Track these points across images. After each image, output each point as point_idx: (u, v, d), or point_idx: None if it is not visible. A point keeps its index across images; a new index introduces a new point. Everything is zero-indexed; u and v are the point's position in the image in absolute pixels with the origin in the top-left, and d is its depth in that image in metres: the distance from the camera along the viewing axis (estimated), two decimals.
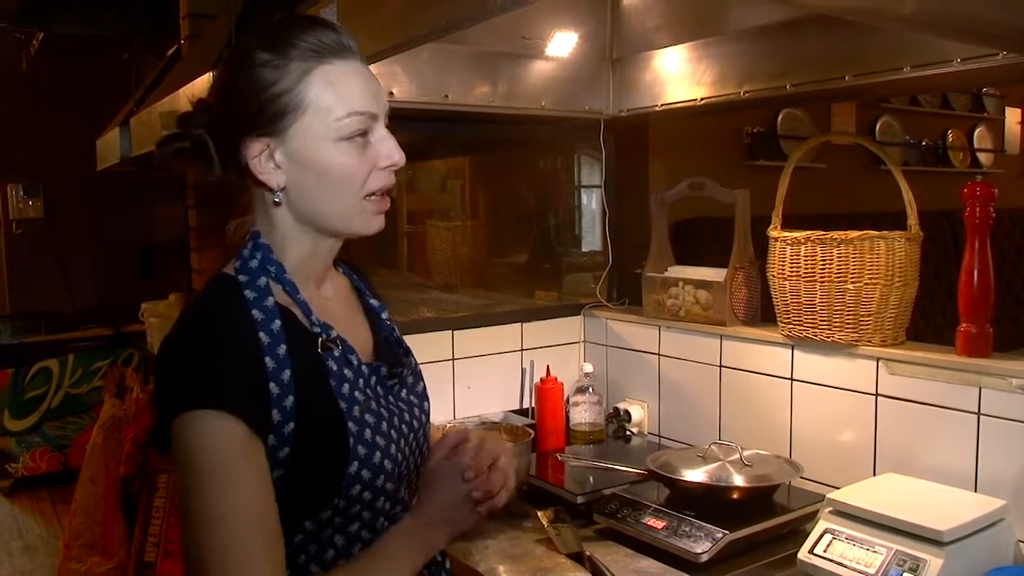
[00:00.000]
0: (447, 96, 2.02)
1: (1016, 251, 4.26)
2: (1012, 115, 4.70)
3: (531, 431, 1.94)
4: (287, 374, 1.05)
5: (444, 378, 2.24)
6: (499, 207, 2.83)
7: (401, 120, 2.15)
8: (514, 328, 2.37)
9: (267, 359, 1.04)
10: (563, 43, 2.15)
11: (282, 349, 1.06)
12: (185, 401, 1.00)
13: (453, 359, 2.26)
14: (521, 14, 2.07)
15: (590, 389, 2.26)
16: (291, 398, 1.04)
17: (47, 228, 5.77)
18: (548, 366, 2.26)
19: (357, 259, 2.16)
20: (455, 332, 2.27)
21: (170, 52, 3.90)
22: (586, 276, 2.66)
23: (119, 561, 3.07)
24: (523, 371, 2.37)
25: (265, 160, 1.10)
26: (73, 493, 3.39)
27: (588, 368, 2.31)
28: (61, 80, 5.61)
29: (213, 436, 1.00)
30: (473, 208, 2.81)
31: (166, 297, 4.12)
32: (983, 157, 4.56)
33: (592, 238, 2.72)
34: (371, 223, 1.15)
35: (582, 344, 2.49)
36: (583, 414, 2.25)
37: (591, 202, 2.72)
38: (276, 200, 1.12)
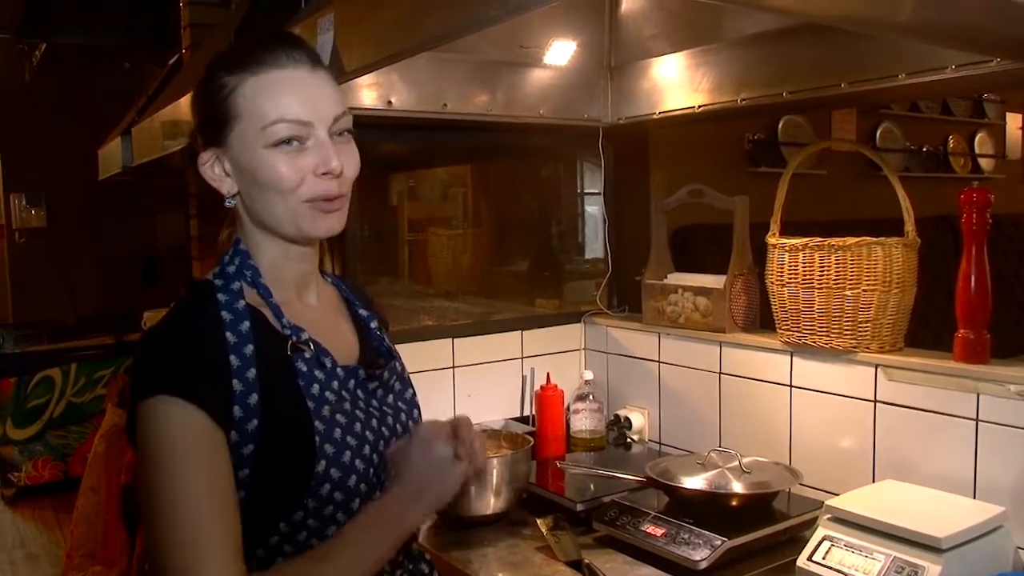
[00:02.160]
0: (445, 105, 2.02)
1: (1018, 256, 4.26)
2: (1013, 120, 4.69)
3: (530, 438, 1.94)
4: (252, 372, 1.08)
5: (444, 386, 2.25)
6: (499, 215, 2.83)
7: (400, 129, 2.20)
8: (514, 336, 2.38)
9: (232, 357, 1.08)
10: (561, 51, 2.15)
11: (248, 349, 1.10)
12: (149, 388, 1.04)
13: (453, 367, 2.27)
14: (519, 23, 2.08)
15: (590, 396, 2.26)
16: (255, 396, 1.08)
17: (50, 237, 5.80)
18: (548, 373, 2.26)
19: (359, 266, 2.19)
20: (455, 340, 2.27)
21: (172, 61, 3.92)
22: (586, 283, 2.66)
23: (121, 570, 3.07)
24: (523, 379, 2.37)
25: (216, 169, 1.17)
26: (75, 502, 3.39)
27: (588, 375, 2.31)
28: (64, 90, 5.64)
29: (173, 422, 1.03)
30: (474, 216, 2.82)
31: (168, 306, 4.11)
32: (984, 162, 4.56)
33: (592, 246, 2.72)
34: (317, 226, 1.16)
35: (582, 351, 2.49)
36: (583, 421, 2.26)
37: (591, 210, 2.73)
38: (227, 204, 1.19)
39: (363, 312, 1.34)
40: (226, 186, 1.17)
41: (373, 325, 1.33)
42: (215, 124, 1.14)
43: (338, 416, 1.14)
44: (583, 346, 2.49)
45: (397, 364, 1.32)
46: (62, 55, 5.28)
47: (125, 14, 4.93)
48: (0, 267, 5.83)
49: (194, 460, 1.03)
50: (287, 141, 1.12)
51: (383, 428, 1.21)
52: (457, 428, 1.20)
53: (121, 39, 5.07)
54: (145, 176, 3.56)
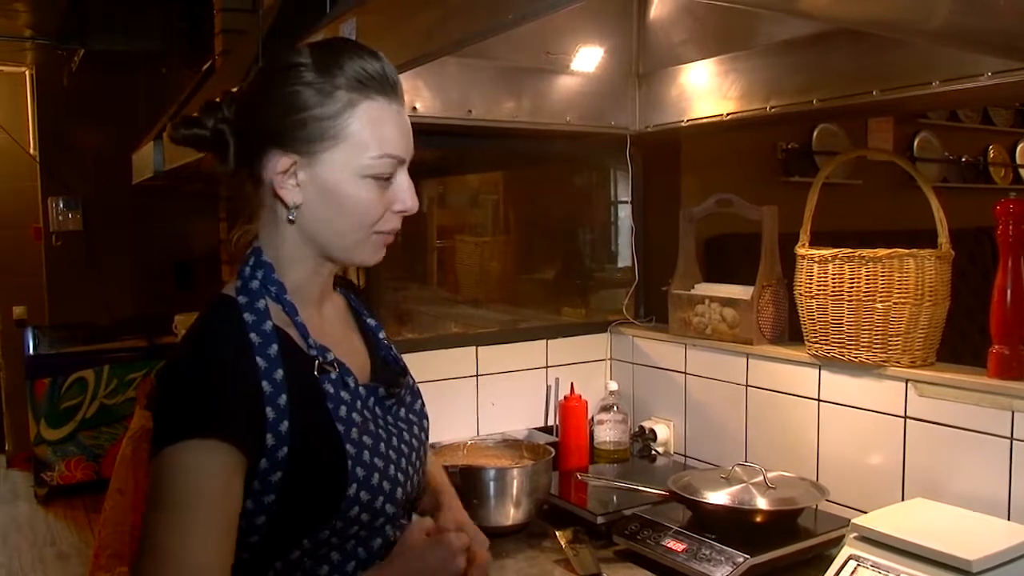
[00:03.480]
0: (471, 111, 2.01)
1: None
2: None
3: (552, 449, 1.91)
4: (283, 399, 1.05)
5: (468, 394, 2.23)
6: (527, 223, 2.82)
7: (424, 135, 2.17)
8: (539, 345, 2.35)
9: (264, 383, 1.04)
10: (588, 58, 2.13)
11: (279, 374, 1.06)
12: (176, 432, 1.00)
13: (477, 375, 2.25)
14: (545, 29, 2.07)
15: (615, 407, 2.24)
16: (286, 423, 1.04)
17: (86, 241, 5.87)
18: (573, 383, 2.24)
19: (384, 273, 2.18)
20: (479, 348, 2.25)
21: (204, 67, 3.96)
22: (614, 293, 2.63)
23: None
24: (548, 388, 2.34)
25: (288, 176, 1.10)
26: (103, 503, 3.42)
27: (613, 386, 2.28)
28: (101, 95, 5.71)
29: (193, 472, 0.99)
30: (502, 223, 2.80)
31: (198, 310, 4.15)
32: None
33: (620, 254, 2.70)
34: (372, 258, 1.16)
35: (608, 361, 2.46)
36: (607, 432, 2.23)
37: (619, 218, 2.70)
38: (290, 218, 1.12)
39: (371, 322, 1.32)
40: (292, 196, 1.11)
41: (381, 335, 1.31)
42: (307, 135, 1.08)
43: (365, 438, 1.12)
44: (609, 356, 2.46)
45: (409, 378, 1.30)
46: (100, 60, 5.35)
47: (162, 20, 4.99)
48: (37, 270, 5.92)
49: (224, 508, 1.00)
50: (386, 176, 1.11)
51: (402, 445, 1.19)
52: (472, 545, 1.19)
53: (158, 44, 5.13)
54: (177, 180, 3.59)
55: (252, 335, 1.07)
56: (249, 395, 1.03)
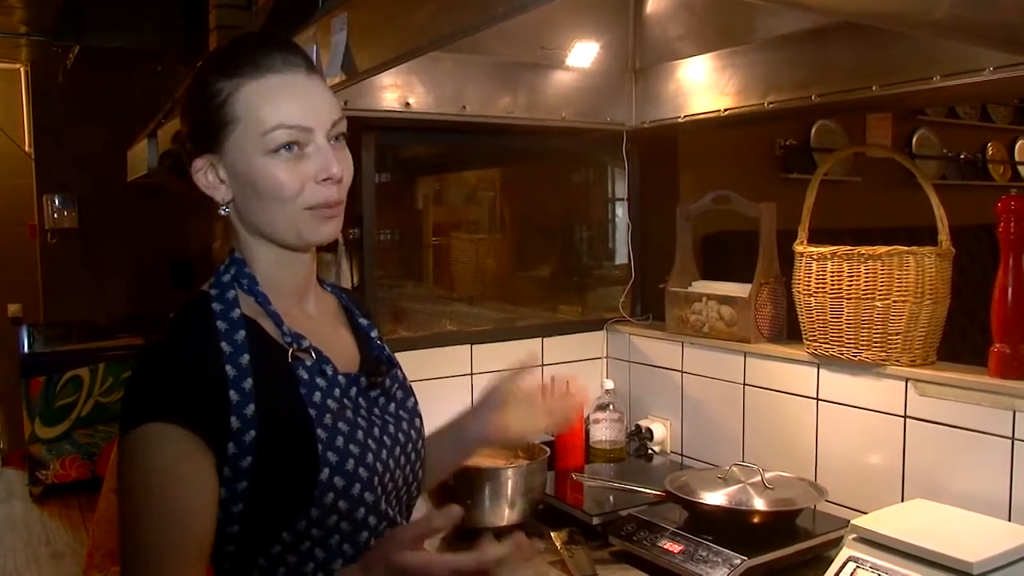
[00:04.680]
0: (465, 107, 1.99)
1: None
2: None
3: (547, 449, 1.89)
4: (248, 383, 1.06)
5: (462, 393, 2.20)
6: (523, 220, 2.79)
7: (420, 131, 2.17)
8: (534, 343, 2.33)
9: (228, 367, 1.06)
10: (584, 53, 2.11)
11: (244, 358, 1.07)
12: (137, 416, 1.02)
13: (471, 374, 2.22)
14: (540, 23, 2.04)
15: (611, 406, 2.22)
16: (252, 407, 1.05)
17: (81, 238, 5.85)
18: (568, 382, 2.21)
19: (377, 271, 2.15)
20: (474, 346, 2.23)
21: (199, 64, 3.92)
22: (610, 290, 2.61)
23: None
24: (543, 387, 2.31)
25: (210, 176, 1.13)
26: (97, 502, 3.40)
27: (609, 385, 2.26)
28: (96, 92, 5.68)
29: (156, 452, 1.01)
30: (497, 221, 2.78)
31: None
32: None
33: (616, 252, 2.67)
34: (318, 232, 1.14)
35: (604, 360, 2.44)
36: (603, 431, 2.21)
37: (615, 215, 2.68)
38: (222, 212, 1.15)
39: (363, 321, 1.31)
40: (220, 193, 1.13)
41: (374, 334, 1.30)
42: (210, 130, 1.11)
43: (340, 424, 1.12)
44: (605, 354, 2.44)
45: (399, 372, 1.29)
46: (96, 57, 5.31)
47: (158, 17, 4.95)
48: (32, 267, 5.89)
49: (173, 493, 1.02)
50: (287, 147, 1.09)
51: (385, 437, 1.18)
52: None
53: (154, 42, 5.09)
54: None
55: (219, 323, 1.09)
56: (211, 379, 1.04)
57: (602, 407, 2.22)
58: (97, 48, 5.13)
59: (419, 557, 0.99)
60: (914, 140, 4.00)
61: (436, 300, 2.58)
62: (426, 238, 2.65)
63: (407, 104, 1.89)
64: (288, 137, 1.09)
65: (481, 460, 1.88)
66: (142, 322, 5.32)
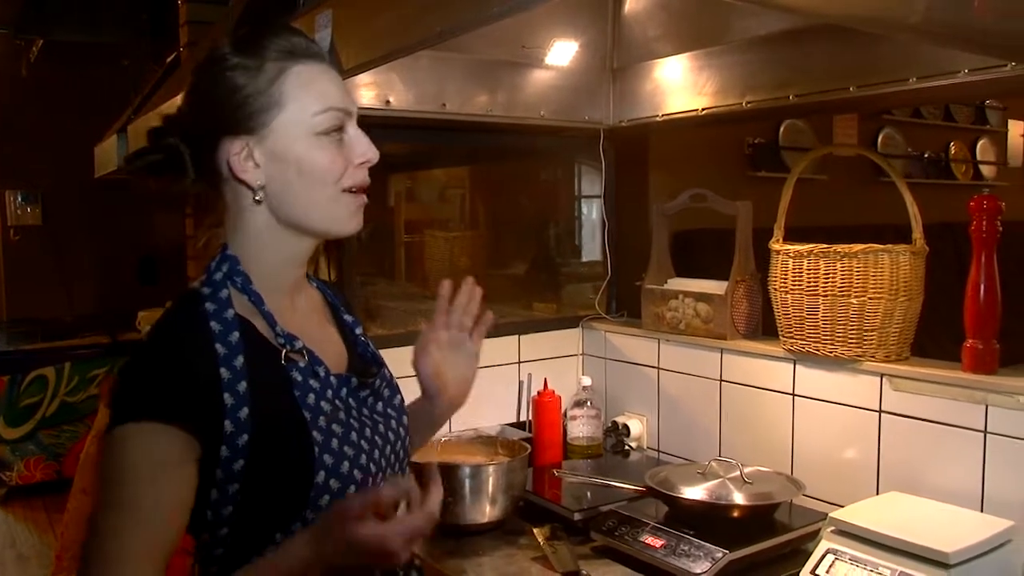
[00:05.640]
0: (445, 105, 1.99)
1: (1016, 263, 4.22)
2: (1015, 127, 4.66)
3: (528, 446, 1.90)
4: (243, 385, 1.05)
5: None
6: (498, 218, 2.80)
7: (398, 129, 2.16)
8: (511, 340, 2.34)
9: (222, 369, 1.04)
10: (563, 52, 2.12)
11: (239, 360, 1.06)
12: (125, 414, 1.01)
13: None
14: (520, 22, 2.05)
15: (588, 403, 2.23)
16: (246, 409, 1.04)
17: (46, 235, 5.75)
18: (546, 379, 2.23)
19: (353, 269, 2.15)
20: None
21: (169, 59, 3.89)
22: (585, 288, 2.63)
23: None
24: (520, 384, 2.33)
25: (244, 159, 1.11)
26: (66, 503, 3.35)
27: (586, 381, 2.27)
28: (61, 86, 5.58)
29: (143, 447, 1.00)
30: (472, 218, 2.78)
31: (164, 305, 4.08)
32: (986, 170, 4.53)
33: (591, 249, 2.69)
34: (350, 221, 1.15)
35: (580, 357, 2.46)
36: (581, 428, 2.22)
37: (591, 213, 2.69)
38: (257, 199, 1.12)
39: (348, 318, 1.31)
40: (255, 177, 1.11)
41: (358, 331, 1.30)
42: (253, 112, 1.09)
43: (334, 426, 1.11)
44: (581, 351, 2.46)
45: (385, 371, 1.29)
46: (60, 51, 5.23)
47: (123, 11, 4.89)
48: None
49: (153, 492, 1.00)
50: (334, 129, 1.12)
51: (376, 437, 1.18)
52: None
53: (119, 36, 5.03)
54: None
55: (212, 323, 1.07)
56: (205, 381, 1.03)
57: (579, 404, 2.23)
58: (61, 42, 5.06)
59: (372, 528, 0.99)
60: (880, 139, 4.06)
61: (410, 298, 2.57)
62: (399, 236, 2.64)
63: (387, 102, 1.89)
64: (336, 120, 1.12)
65: (461, 457, 1.89)
66: (109, 320, 5.24)
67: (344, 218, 1.14)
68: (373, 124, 2.02)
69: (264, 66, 1.09)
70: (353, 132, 1.14)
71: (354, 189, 1.14)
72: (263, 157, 1.11)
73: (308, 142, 1.10)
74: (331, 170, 1.11)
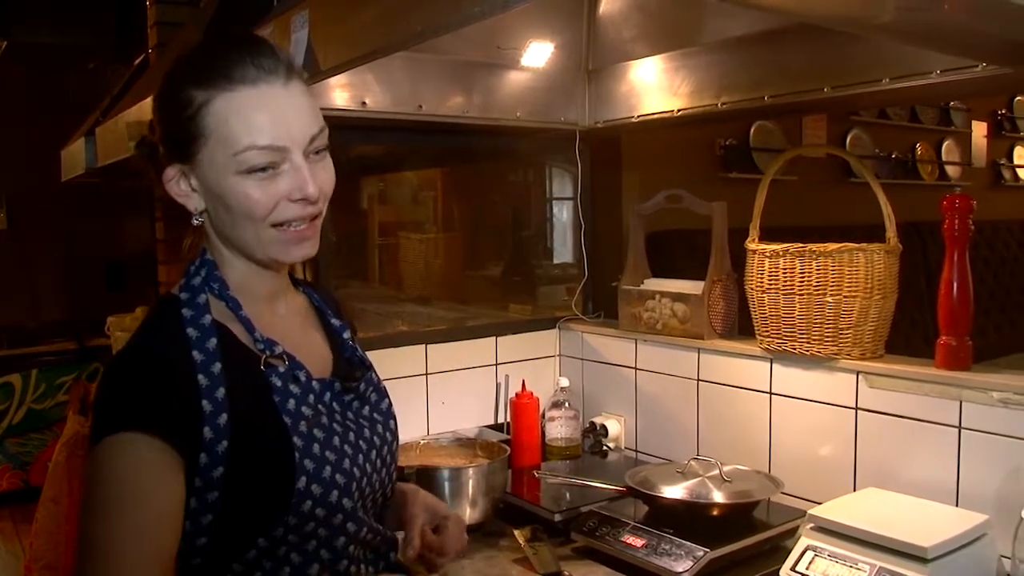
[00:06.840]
0: (421, 106, 1.98)
1: (983, 262, 4.29)
2: (978, 128, 4.73)
3: (507, 447, 1.90)
4: (221, 392, 1.04)
5: (418, 393, 2.20)
6: (473, 219, 2.80)
7: (373, 131, 2.15)
8: (488, 342, 2.34)
9: (200, 376, 1.03)
10: (539, 53, 2.12)
11: (216, 367, 1.05)
12: (109, 425, 1.00)
13: (427, 374, 2.22)
14: (496, 23, 2.04)
15: (566, 404, 2.23)
16: (224, 416, 1.03)
17: (11, 240, 5.65)
18: (524, 380, 2.23)
19: (328, 272, 2.14)
20: (428, 346, 2.22)
21: (137, 61, 3.84)
22: (561, 289, 2.63)
23: None
24: (498, 386, 2.33)
25: (182, 184, 1.10)
26: (35, 512, 3.30)
27: (564, 382, 2.28)
28: (26, 89, 5.50)
29: (126, 462, 0.99)
30: (447, 220, 2.78)
31: (133, 311, 4.03)
32: (951, 170, 4.60)
33: (567, 251, 2.69)
34: (288, 252, 1.11)
35: (557, 358, 2.46)
36: (559, 429, 2.22)
37: (566, 214, 2.70)
38: (197, 221, 1.12)
39: (335, 322, 1.30)
40: (193, 202, 1.11)
41: (346, 335, 1.29)
42: (181, 141, 1.07)
43: (316, 431, 1.11)
44: (558, 352, 2.46)
45: (372, 375, 1.28)
46: (25, 53, 5.14)
47: (90, 13, 4.82)
48: None
49: (146, 505, 0.98)
50: (261, 169, 1.05)
51: (360, 441, 1.17)
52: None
53: (86, 38, 4.96)
54: (109, 178, 3.47)
55: (189, 330, 1.07)
56: (183, 389, 1.02)
57: (557, 405, 2.23)
58: (26, 44, 4.97)
59: None
60: (848, 140, 4.10)
61: (387, 300, 2.56)
62: (373, 238, 2.63)
63: (363, 103, 1.88)
64: (260, 159, 1.05)
65: (441, 460, 1.89)
66: (77, 326, 5.17)
67: (279, 252, 1.11)
68: (348, 126, 2.04)
69: (197, 92, 1.05)
70: (289, 166, 1.06)
71: (287, 224, 1.09)
72: (197, 184, 1.10)
73: (232, 180, 1.06)
74: (254, 209, 1.06)
